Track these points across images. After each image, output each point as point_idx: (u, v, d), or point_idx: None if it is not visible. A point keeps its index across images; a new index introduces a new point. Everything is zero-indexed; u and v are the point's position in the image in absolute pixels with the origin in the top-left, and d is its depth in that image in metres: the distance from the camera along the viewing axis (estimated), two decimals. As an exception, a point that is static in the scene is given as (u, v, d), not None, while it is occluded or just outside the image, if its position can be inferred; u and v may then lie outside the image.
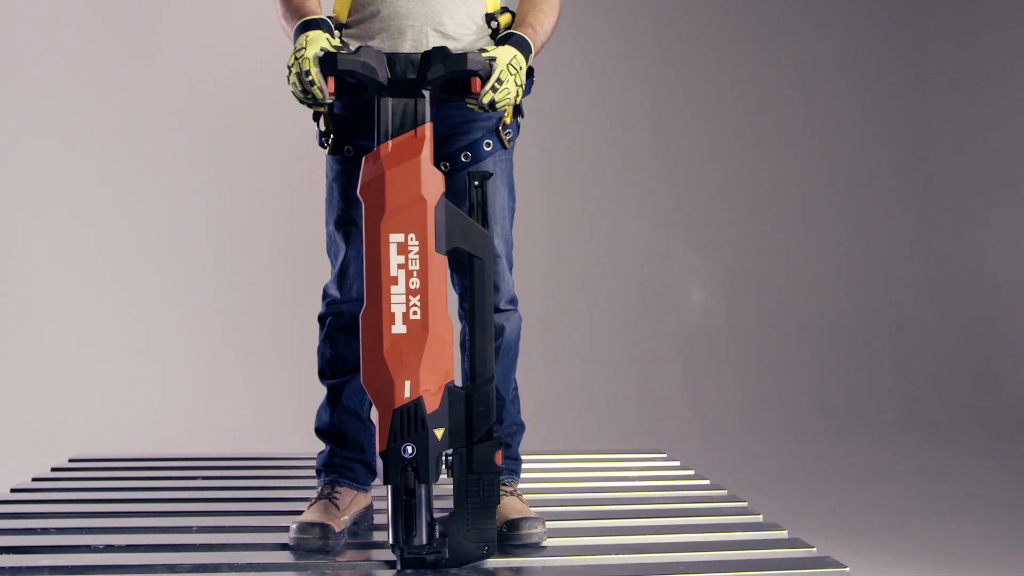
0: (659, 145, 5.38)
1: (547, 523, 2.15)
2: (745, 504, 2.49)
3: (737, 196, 5.43)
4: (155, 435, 4.35)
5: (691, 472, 2.87)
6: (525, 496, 2.27)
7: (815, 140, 5.51)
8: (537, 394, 4.03)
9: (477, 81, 1.90)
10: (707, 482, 2.74)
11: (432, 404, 1.85)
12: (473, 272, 1.91)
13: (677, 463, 2.98)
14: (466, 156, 2.11)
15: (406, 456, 1.85)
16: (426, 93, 1.90)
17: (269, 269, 4.88)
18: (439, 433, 1.86)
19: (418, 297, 1.83)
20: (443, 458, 1.89)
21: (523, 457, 2.39)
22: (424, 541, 1.89)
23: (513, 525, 2.09)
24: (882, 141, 5.58)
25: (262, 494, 2.58)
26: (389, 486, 1.89)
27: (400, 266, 1.84)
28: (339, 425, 2.25)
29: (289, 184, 4.84)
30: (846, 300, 5.42)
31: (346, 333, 2.15)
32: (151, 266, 4.81)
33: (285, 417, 4.44)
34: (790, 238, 5.45)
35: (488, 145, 2.11)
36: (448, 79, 1.92)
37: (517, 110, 2.13)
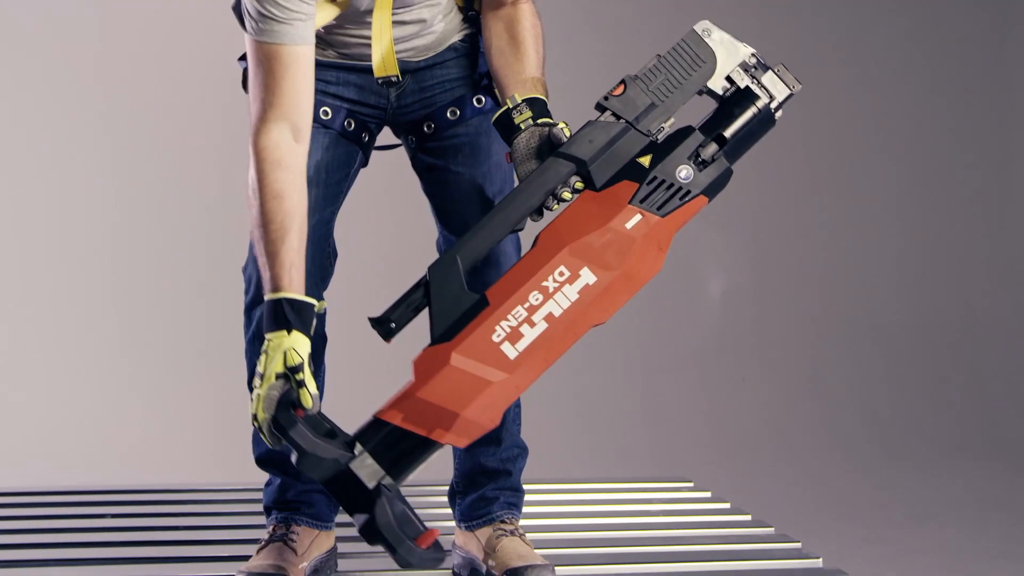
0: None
1: (557, 570, 2.14)
2: (799, 545, 2.51)
3: (768, 162, 5.43)
4: (34, 462, 4.30)
5: (726, 505, 2.90)
6: (529, 536, 2.26)
7: (867, 98, 5.54)
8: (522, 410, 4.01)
9: None
10: (747, 517, 2.76)
11: None
12: None
13: (707, 493, 3.01)
14: (452, 113, 2.21)
15: None
16: None
17: (177, 247, 4.85)
18: None
19: None
20: None
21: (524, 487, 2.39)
22: None
23: (516, 575, 2.08)
24: (950, 100, 5.61)
25: (193, 535, 2.57)
26: None
27: None
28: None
29: (198, 147, 4.85)
30: (902, 294, 5.46)
31: None
32: (25, 249, 4.77)
33: (203, 439, 4.41)
34: (833, 216, 5.48)
35: (479, 102, 2.22)
36: None
37: None
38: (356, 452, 1.87)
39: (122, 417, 4.59)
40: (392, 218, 4.78)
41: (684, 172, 1.93)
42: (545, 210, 1.96)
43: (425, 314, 1.92)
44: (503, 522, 2.23)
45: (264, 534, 2.22)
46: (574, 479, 3.19)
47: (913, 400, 5.18)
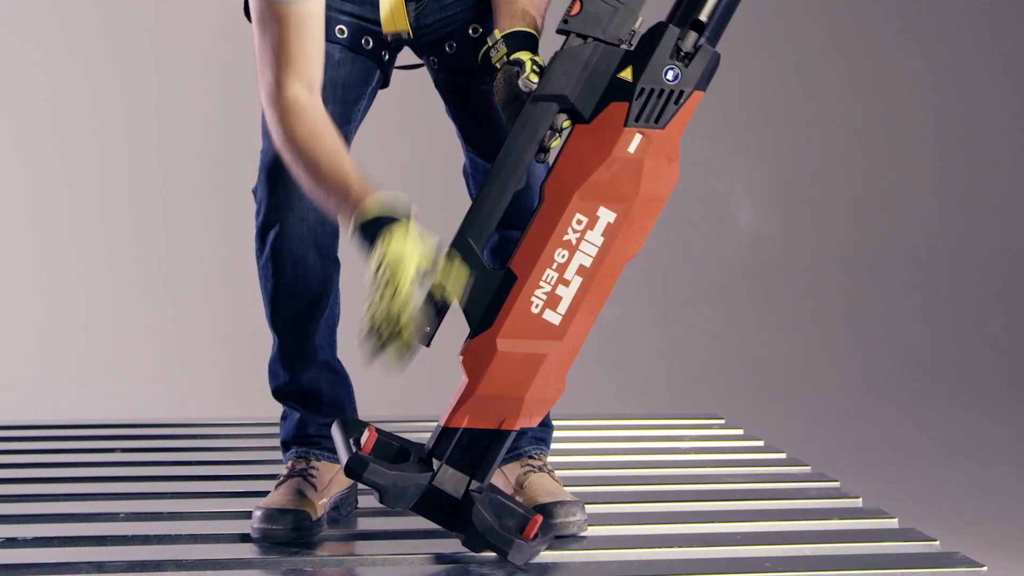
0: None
1: (587, 507, 2.14)
2: (837, 484, 2.50)
3: (800, 85, 5.39)
4: (43, 395, 4.32)
5: (759, 443, 2.90)
6: (557, 472, 2.26)
7: (908, 11, 5.47)
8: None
9: None
10: (783, 455, 2.77)
11: None
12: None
13: (739, 431, 3.02)
14: (474, 30, 2.17)
15: None
16: None
17: (185, 169, 4.86)
18: None
19: None
20: None
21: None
22: None
23: (545, 511, 2.07)
24: (992, 25, 5.54)
25: (205, 470, 2.58)
26: None
27: None
28: (310, 383, 2.22)
29: (205, 64, 4.87)
30: (941, 226, 5.43)
31: (296, 252, 2.14)
32: (30, 177, 4.78)
33: (215, 371, 4.45)
34: (869, 140, 5.44)
35: None
36: None
37: None
38: (435, 468, 1.89)
39: (133, 348, 4.61)
40: (410, 142, 4.76)
41: (671, 73, 1.86)
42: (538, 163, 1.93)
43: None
44: (531, 458, 2.22)
45: (282, 469, 2.21)
46: (603, 415, 3.20)
47: (950, 336, 5.17)
